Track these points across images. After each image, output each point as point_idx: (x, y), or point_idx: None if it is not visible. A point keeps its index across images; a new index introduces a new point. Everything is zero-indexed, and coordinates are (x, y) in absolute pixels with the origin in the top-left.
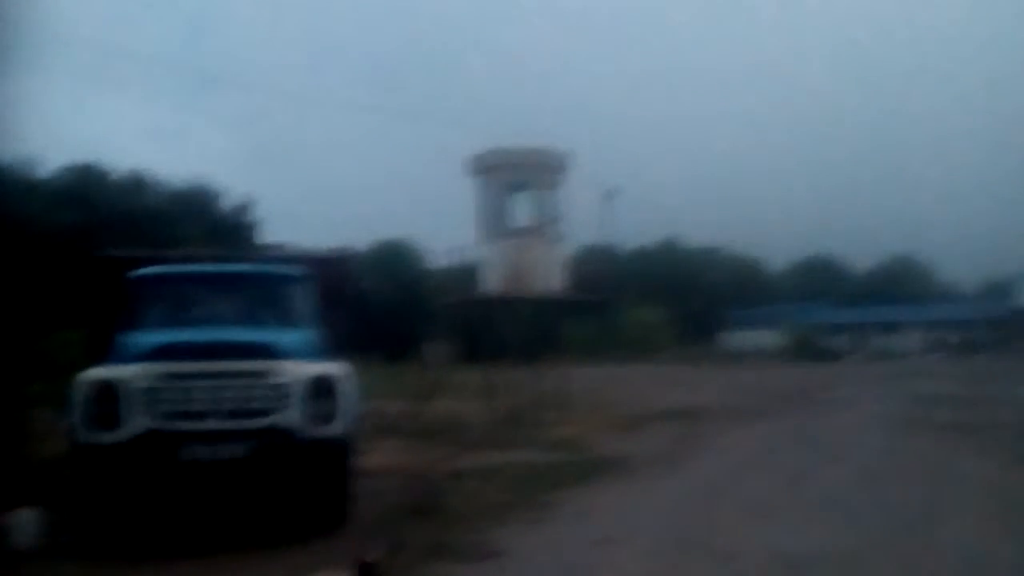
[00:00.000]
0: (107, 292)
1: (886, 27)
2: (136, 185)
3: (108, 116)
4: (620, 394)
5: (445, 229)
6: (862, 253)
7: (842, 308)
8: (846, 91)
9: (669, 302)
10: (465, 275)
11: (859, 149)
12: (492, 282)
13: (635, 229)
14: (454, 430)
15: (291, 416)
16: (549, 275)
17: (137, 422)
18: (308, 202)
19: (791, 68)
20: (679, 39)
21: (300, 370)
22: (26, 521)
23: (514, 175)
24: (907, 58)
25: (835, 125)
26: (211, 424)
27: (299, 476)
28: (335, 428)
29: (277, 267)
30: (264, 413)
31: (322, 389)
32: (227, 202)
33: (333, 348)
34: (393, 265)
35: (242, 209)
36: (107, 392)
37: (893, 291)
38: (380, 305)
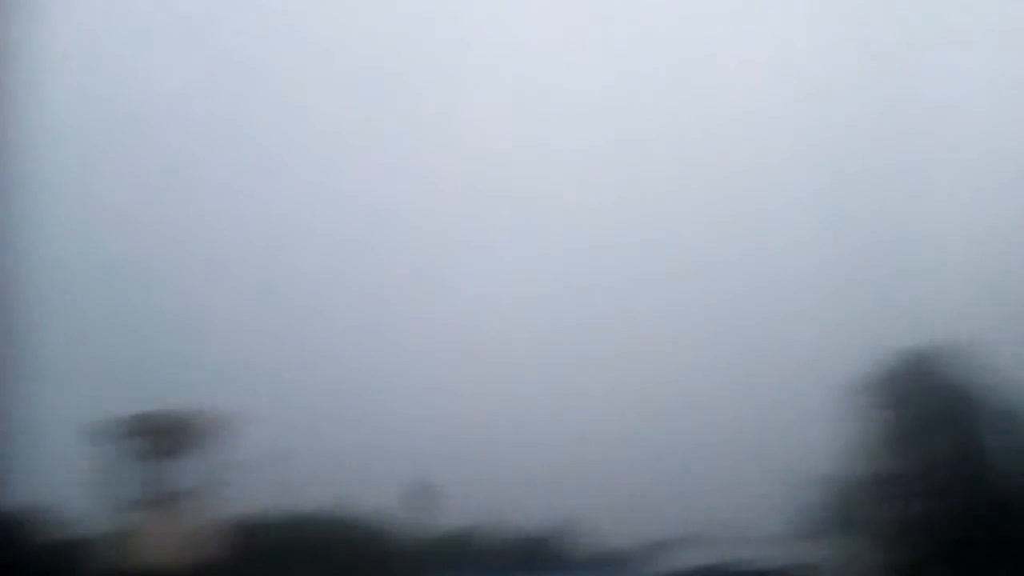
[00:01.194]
0: None
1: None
2: None
3: None
4: None
5: (84, 496)
6: (524, 516)
7: (506, 572)
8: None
9: (341, 570)
10: (102, 546)
11: (512, 420)
12: (136, 552)
13: (301, 495)
14: None
15: None
16: (201, 544)
17: None
18: None
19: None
20: (339, 296)
21: None
22: None
23: (165, 440)
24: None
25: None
26: None
27: None
28: None
29: None
30: None
31: None
32: None
33: None
34: (22, 536)
35: None
36: None
37: (551, 554)
38: None
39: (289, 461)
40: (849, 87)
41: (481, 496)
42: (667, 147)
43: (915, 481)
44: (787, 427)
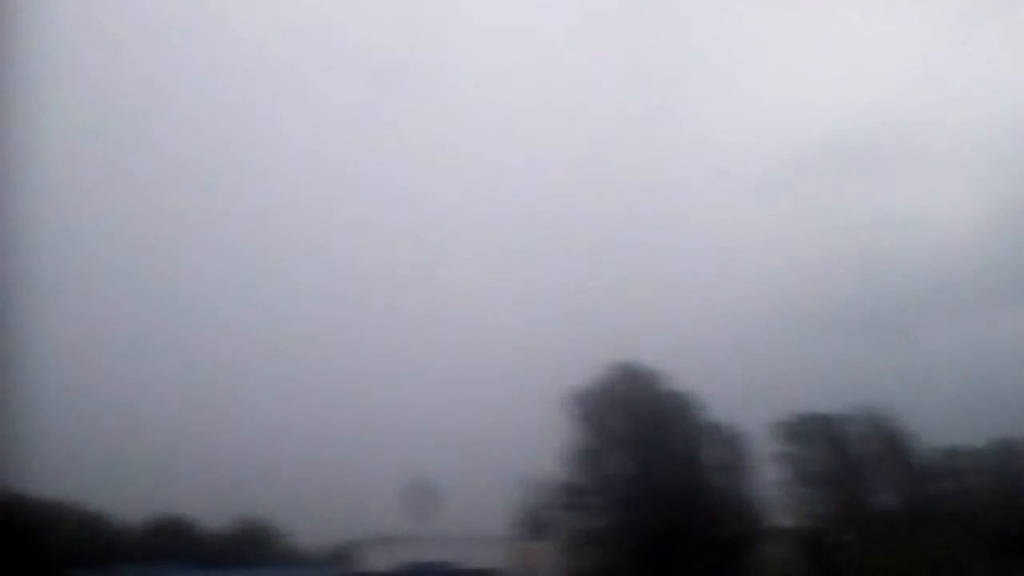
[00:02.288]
0: None
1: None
2: None
3: None
4: None
5: None
6: (215, 513)
7: (195, 570)
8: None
9: (7, 560)
10: None
11: (198, 418)
12: None
13: None
14: None
15: None
16: None
17: None
18: None
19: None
20: None
21: None
22: None
23: None
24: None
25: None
26: None
27: None
28: None
29: None
30: None
31: None
32: None
33: None
34: None
35: None
36: None
37: (245, 552)
38: None
39: None
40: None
41: (176, 493)
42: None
43: (604, 491)
44: (501, 435)
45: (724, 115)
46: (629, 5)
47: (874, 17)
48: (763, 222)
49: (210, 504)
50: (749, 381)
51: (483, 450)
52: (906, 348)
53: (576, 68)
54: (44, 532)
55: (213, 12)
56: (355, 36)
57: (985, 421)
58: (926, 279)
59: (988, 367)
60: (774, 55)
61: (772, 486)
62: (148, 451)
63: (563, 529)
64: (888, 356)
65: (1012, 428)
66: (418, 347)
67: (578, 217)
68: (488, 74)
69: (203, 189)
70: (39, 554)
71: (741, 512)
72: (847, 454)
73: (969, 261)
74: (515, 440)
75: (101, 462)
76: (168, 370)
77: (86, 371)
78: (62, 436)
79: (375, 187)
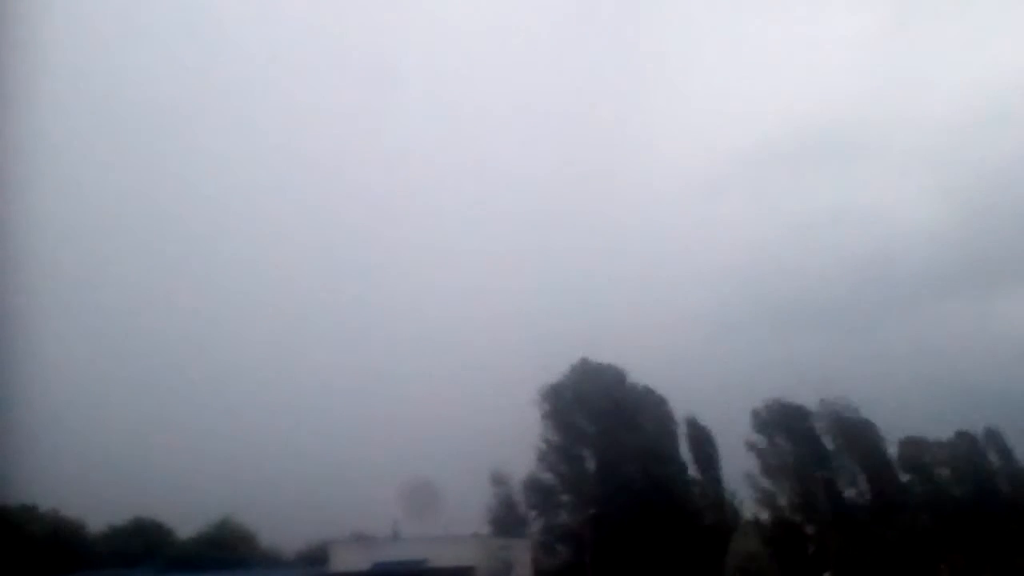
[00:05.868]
0: None
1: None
2: None
3: None
4: None
5: None
6: (187, 516)
7: (168, 573)
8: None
9: None
10: None
11: (184, 412)
12: None
13: None
14: None
15: None
16: None
17: None
18: None
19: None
20: None
21: None
22: None
23: None
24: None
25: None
26: None
27: None
28: None
29: None
30: None
31: None
32: None
33: None
34: None
35: None
36: None
37: (219, 555)
38: None
39: None
40: None
41: (147, 493)
42: None
43: (575, 488)
44: (474, 433)
45: (678, 115)
46: (588, 8)
47: (822, 18)
48: (720, 219)
49: (184, 507)
50: (714, 376)
51: (456, 449)
52: (865, 340)
53: (538, 70)
54: (16, 538)
55: (210, 13)
56: (347, 36)
57: (944, 412)
58: (880, 272)
59: (944, 359)
60: (727, 56)
61: (742, 478)
62: (121, 455)
63: (536, 526)
64: (849, 349)
65: (969, 419)
66: (389, 348)
67: (543, 218)
68: (450, 76)
69: (202, 189)
70: (11, 560)
71: (712, 505)
72: (815, 445)
73: (923, 254)
74: (488, 438)
75: (73, 467)
76: (142, 373)
77: (59, 376)
78: (33, 441)
79: (350, 188)
